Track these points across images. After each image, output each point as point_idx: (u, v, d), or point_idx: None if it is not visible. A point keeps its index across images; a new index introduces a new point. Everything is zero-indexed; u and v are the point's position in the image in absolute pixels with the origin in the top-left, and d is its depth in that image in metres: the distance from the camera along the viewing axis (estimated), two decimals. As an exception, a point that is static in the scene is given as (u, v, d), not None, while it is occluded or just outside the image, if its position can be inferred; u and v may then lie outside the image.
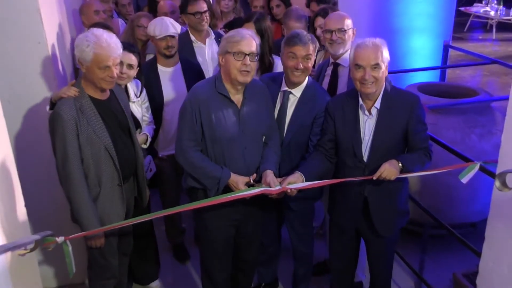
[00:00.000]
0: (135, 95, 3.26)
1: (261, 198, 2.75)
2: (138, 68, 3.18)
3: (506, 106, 2.11)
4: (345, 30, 3.18)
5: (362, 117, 2.71)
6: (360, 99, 2.71)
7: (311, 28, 3.80)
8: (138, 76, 3.26)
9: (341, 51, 3.21)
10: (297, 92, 2.95)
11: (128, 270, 3.26)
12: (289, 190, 2.67)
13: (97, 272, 2.95)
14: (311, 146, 2.94)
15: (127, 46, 3.04)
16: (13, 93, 3.04)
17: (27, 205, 2.28)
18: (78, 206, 2.62)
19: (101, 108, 2.67)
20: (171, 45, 3.45)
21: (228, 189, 2.73)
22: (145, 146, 3.24)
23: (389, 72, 2.71)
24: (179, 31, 3.54)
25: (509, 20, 11.50)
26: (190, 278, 3.80)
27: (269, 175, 2.71)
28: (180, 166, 2.86)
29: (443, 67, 4.77)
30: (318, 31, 3.63)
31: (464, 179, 2.47)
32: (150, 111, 3.41)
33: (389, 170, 2.55)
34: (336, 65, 3.28)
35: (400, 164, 2.58)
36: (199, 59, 3.87)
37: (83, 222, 2.63)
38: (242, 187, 2.70)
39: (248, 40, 2.66)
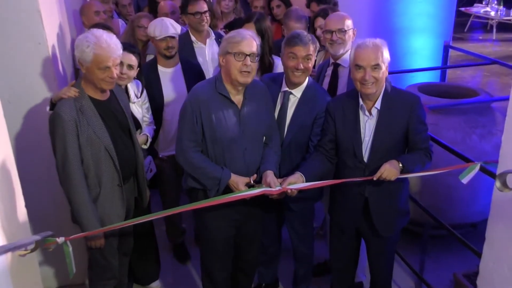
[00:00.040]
0: (136, 95, 3.26)
1: (262, 199, 2.75)
2: (139, 68, 3.18)
3: (506, 107, 2.11)
4: (346, 31, 3.18)
5: (362, 117, 2.71)
6: (360, 100, 2.70)
7: (311, 28, 3.80)
8: (138, 77, 3.26)
9: (341, 51, 3.22)
10: (297, 92, 2.95)
11: (128, 270, 3.26)
12: (289, 191, 2.67)
13: (97, 272, 2.95)
14: (312, 146, 2.94)
15: (127, 47, 3.04)
16: (13, 93, 3.04)
17: (27, 206, 2.28)
18: (78, 207, 2.62)
19: (101, 109, 2.67)
20: (171, 46, 3.45)
21: (228, 189, 2.73)
22: (145, 147, 3.24)
23: (390, 73, 2.71)
24: (179, 31, 3.54)
25: (510, 20, 11.49)
26: (190, 278, 3.80)
27: (269, 175, 2.71)
28: (180, 167, 2.86)
29: (444, 67, 4.77)
30: (318, 32, 3.63)
31: (465, 180, 2.47)
32: (150, 112, 3.41)
33: (389, 170, 2.55)
34: (336, 66, 3.28)
35: (401, 165, 2.58)
36: (200, 59, 3.87)
37: (83, 223, 2.63)
38: (242, 187, 2.69)
39: (249, 40, 2.65)
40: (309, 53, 2.84)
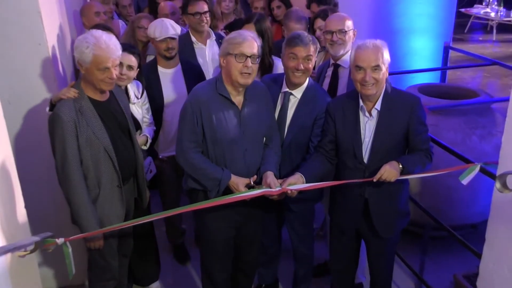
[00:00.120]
0: (136, 96, 3.26)
1: (262, 200, 2.75)
2: (138, 69, 3.18)
3: (506, 107, 2.11)
4: (346, 31, 3.18)
5: (362, 118, 2.71)
6: (360, 101, 2.70)
7: (310, 29, 3.80)
8: (138, 78, 3.26)
9: (341, 52, 3.22)
10: (297, 93, 2.95)
11: (128, 271, 3.26)
12: (289, 191, 2.67)
13: (97, 273, 2.95)
14: (312, 147, 2.94)
15: (127, 47, 3.04)
16: (13, 94, 3.04)
17: (27, 206, 2.28)
18: (77, 208, 2.62)
19: (101, 110, 2.67)
20: (171, 47, 3.45)
21: (228, 190, 2.73)
22: (145, 148, 3.24)
23: (390, 73, 2.71)
24: (179, 32, 3.54)
25: (510, 21, 11.49)
26: (190, 279, 3.80)
27: (270, 176, 2.71)
28: (181, 168, 2.86)
29: (444, 68, 4.77)
30: (318, 33, 3.63)
31: (465, 181, 2.47)
32: (150, 113, 3.41)
33: (389, 171, 2.55)
34: (337, 66, 3.28)
35: (401, 166, 2.58)
36: (200, 60, 3.87)
37: (82, 224, 2.63)
38: (242, 188, 2.69)
39: (250, 42, 2.65)
40: (310, 53, 2.84)
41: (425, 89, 4.10)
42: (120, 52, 2.62)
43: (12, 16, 2.93)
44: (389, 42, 2.71)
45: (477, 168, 2.48)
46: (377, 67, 2.56)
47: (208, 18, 3.89)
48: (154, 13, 4.66)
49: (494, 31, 11.78)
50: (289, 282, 3.59)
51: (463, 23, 11.94)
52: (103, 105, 2.70)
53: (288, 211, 3.17)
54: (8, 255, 1.87)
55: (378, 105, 2.67)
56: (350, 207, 2.85)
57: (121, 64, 2.89)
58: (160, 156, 3.63)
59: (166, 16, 4.17)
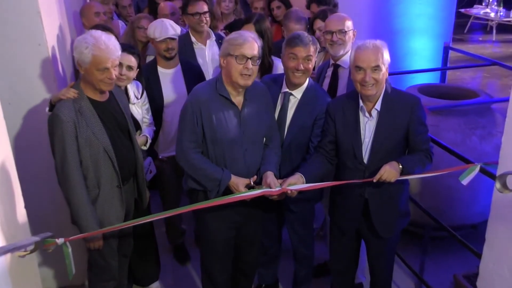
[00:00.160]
0: (136, 96, 3.26)
1: (262, 200, 2.75)
2: (138, 69, 3.18)
3: (506, 108, 2.11)
4: (346, 32, 3.18)
5: (362, 119, 2.71)
6: (360, 101, 2.70)
7: (310, 30, 3.80)
8: (138, 78, 3.26)
9: (341, 52, 3.22)
10: (297, 93, 2.95)
11: (128, 272, 3.26)
12: (289, 191, 2.67)
13: (97, 273, 2.95)
14: (312, 147, 2.94)
15: (127, 48, 3.04)
16: (13, 94, 3.04)
17: (27, 207, 2.28)
18: (77, 208, 2.62)
19: (100, 110, 2.67)
20: (171, 47, 3.45)
21: (228, 190, 2.73)
22: (145, 148, 3.24)
23: (389, 74, 2.71)
24: (179, 33, 3.54)
25: (509, 21, 11.49)
26: (190, 279, 3.80)
27: (270, 176, 2.71)
28: (180, 168, 2.86)
29: (443, 68, 4.77)
30: (317, 34, 3.63)
31: (465, 181, 2.47)
32: (150, 113, 3.41)
33: (389, 172, 2.55)
34: (336, 67, 3.28)
35: (401, 166, 2.57)
36: (199, 60, 3.87)
37: (81, 224, 2.63)
38: (242, 189, 2.69)
39: (251, 43, 2.64)
40: (310, 53, 2.84)
41: (425, 89, 4.10)
42: (120, 52, 2.62)
43: (12, 17, 2.93)
44: (389, 42, 2.71)
45: (477, 169, 2.47)
46: (377, 68, 2.56)
47: (207, 19, 3.89)
48: (154, 14, 4.65)
49: (494, 31, 11.78)
50: (289, 282, 3.59)
51: (463, 24, 11.94)
52: (102, 105, 2.70)
53: (288, 212, 3.17)
54: (8, 255, 1.87)
55: (378, 106, 2.67)
56: (350, 208, 2.85)
57: (120, 64, 2.89)
58: (160, 157, 3.63)
59: (166, 16, 4.17)
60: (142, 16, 4.26)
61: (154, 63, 3.58)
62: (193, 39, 3.91)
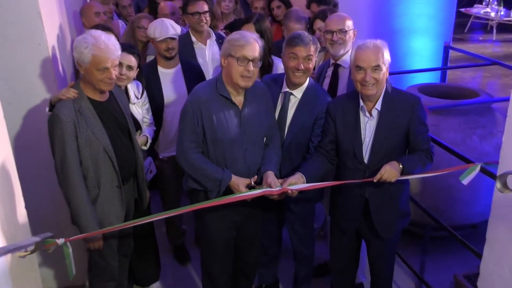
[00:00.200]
0: (136, 96, 3.26)
1: (262, 200, 2.75)
2: (138, 69, 3.17)
3: (506, 107, 2.11)
4: (346, 31, 3.18)
5: (362, 118, 2.71)
6: (360, 101, 2.70)
7: (310, 30, 3.80)
8: (138, 78, 3.26)
9: (341, 51, 3.22)
10: (298, 93, 2.95)
11: (128, 272, 3.26)
12: (290, 191, 2.66)
13: (97, 274, 2.95)
14: (312, 147, 2.94)
15: (127, 47, 3.04)
16: (13, 94, 3.03)
17: (27, 207, 2.27)
18: (77, 208, 2.62)
19: (100, 110, 2.67)
20: (171, 47, 3.45)
21: (229, 190, 2.73)
22: (145, 148, 3.24)
23: (390, 73, 2.71)
24: (179, 32, 3.54)
25: (510, 21, 11.49)
26: (190, 280, 3.80)
27: (270, 176, 2.71)
28: (181, 168, 2.86)
29: (444, 68, 4.77)
30: (317, 34, 3.63)
31: (465, 181, 2.47)
32: (150, 113, 3.41)
33: (390, 172, 2.54)
34: (337, 66, 3.28)
35: (401, 166, 2.57)
36: (200, 60, 3.86)
37: (81, 224, 2.63)
38: (243, 189, 2.69)
39: (253, 45, 2.63)
40: (310, 53, 2.84)
41: (425, 89, 4.10)
42: (119, 52, 2.62)
43: (12, 17, 2.93)
44: (389, 42, 2.71)
45: (478, 168, 2.47)
46: (377, 67, 2.56)
47: (207, 18, 3.89)
48: (154, 13, 4.65)
49: (494, 30, 11.78)
50: (290, 283, 3.59)
51: (463, 23, 11.94)
52: (102, 105, 2.70)
53: (288, 212, 3.17)
54: (9, 256, 1.87)
55: (378, 105, 2.67)
56: (350, 207, 2.85)
57: (120, 64, 2.89)
58: (160, 156, 3.63)
59: (166, 16, 4.17)
60: (142, 16, 4.26)
61: (154, 63, 3.57)
62: (193, 38, 3.91)
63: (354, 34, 3.26)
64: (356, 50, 2.60)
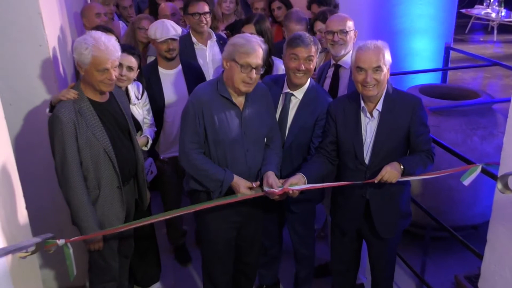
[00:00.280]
0: (136, 97, 3.26)
1: (262, 200, 2.75)
2: (139, 70, 3.18)
3: (507, 108, 2.10)
4: (347, 32, 3.18)
5: (363, 119, 2.70)
6: (361, 102, 2.70)
7: (310, 31, 3.80)
8: (139, 79, 3.26)
9: (342, 52, 3.22)
10: (299, 94, 2.95)
11: (129, 273, 3.26)
12: (291, 191, 2.66)
13: (97, 274, 2.95)
14: (313, 148, 2.94)
15: (127, 48, 3.04)
16: (14, 95, 3.04)
17: (28, 208, 2.28)
18: (77, 209, 2.62)
19: (100, 111, 2.67)
20: (172, 48, 3.45)
21: (231, 190, 2.73)
22: (146, 149, 3.24)
23: (391, 74, 2.70)
24: (180, 33, 3.54)
25: (511, 22, 11.49)
26: (191, 280, 3.80)
27: (271, 176, 2.71)
28: (181, 169, 2.86)
29: (445, 69, 4.77)
30: (318, 35, 3.63)
31: (466, 182, 2.46)
32: (151, 114, 3.41)
33: (391, 172, 2.54)
34: (337, 67, 3.28)
35: (402, 167, 2.57)
36: (200, 61, 3.87)
37: (81, 225, 2.63)
38: (244, 191, 2.69)
39: (257, 52, 2.61)
40: (311, 54, 2.84)
41: (426, 89, 4.10)
42: (120, 53, 2.62)
43: (13, 17, 2.93)
44: (390, 43, 2.70)
45: (479, 169, 2.47)
46: (378, 68, 2.56)
47: (208, 19, 3.89)
48: (155, 14, 4.66)
49: (495, 31, 11.78)
50: (290, 283, 3.59)
51: (464, 24, 11.95)
52: (102, 106, 2.70)
53: (289, 212, 3.16)
54: (9, 256, 1.87)
55: (379, 106, 2.66)
56: (351, 208, 2.85)
57: (121, 65, 2.89)
58: (161, 157, 3.63)
59: (167, 17, 4.17)
60: (143, 17, 4.27)
61: (155, 64, 3.58)
62: (194, 39, 3.91)
63: (355, 35, 3.26)
64: (357, 51, 2.60)
